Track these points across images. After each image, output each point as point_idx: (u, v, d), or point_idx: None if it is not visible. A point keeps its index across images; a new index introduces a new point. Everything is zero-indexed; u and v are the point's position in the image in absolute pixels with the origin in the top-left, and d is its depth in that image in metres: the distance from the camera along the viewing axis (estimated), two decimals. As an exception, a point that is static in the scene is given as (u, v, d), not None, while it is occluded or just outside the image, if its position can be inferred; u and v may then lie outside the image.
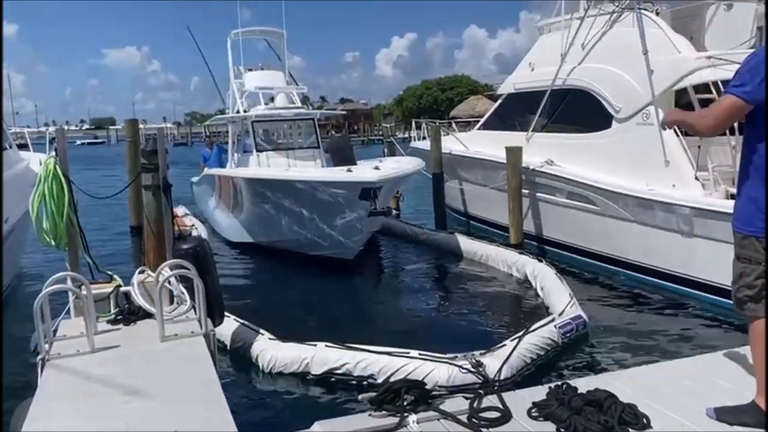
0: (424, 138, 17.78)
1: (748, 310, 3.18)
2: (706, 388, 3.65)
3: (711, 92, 8.59)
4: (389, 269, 11.70)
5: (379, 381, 5.60)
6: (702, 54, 8.82)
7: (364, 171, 9.80)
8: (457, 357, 5.72)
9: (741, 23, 9.33)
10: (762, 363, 3.13)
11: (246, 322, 7.02)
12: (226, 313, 5.88)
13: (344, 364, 5.98)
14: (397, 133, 41.46)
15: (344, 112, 47.20)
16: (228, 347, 6.76)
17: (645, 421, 3.17)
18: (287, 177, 10.59)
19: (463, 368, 5.53)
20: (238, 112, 13.92)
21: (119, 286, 5.04)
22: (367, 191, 9.26)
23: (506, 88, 13.44)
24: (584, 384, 3.59)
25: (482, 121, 14.67)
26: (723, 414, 3.25)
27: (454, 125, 20.73)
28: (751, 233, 3.13)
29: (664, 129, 3.12)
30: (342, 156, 12.75)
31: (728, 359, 4.12)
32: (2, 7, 4.37)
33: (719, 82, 8.52)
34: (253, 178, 11.40)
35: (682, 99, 9.41)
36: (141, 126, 18.08)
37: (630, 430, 3.14)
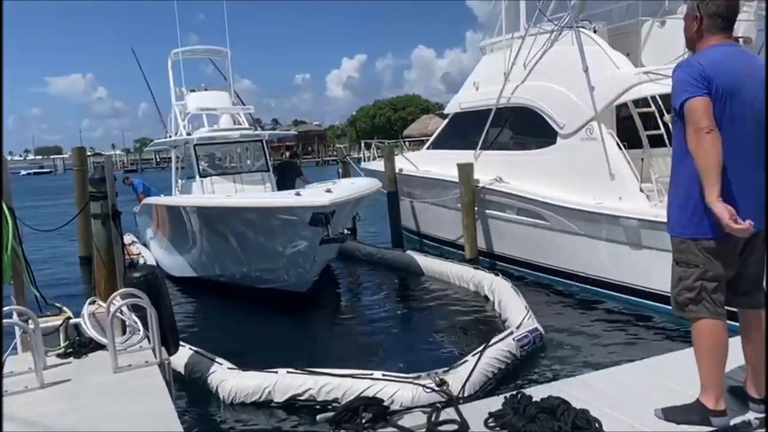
0: (374, 158, 17.86)
1: (689, 312, 3.27)
2: (654, 390, 3.78)
3: (650, 106, 8.93)
4: (346, 291, 11.62)
5: (344, 404, 5.57)
6: (640, 69, 9.11)
7: (315, 194, 8.76)
8: (420, 376, 5.69)
9: (674, 39, 9.74)
10: (704, 362, 3.26)
11: (202, 351, 6.88)
12: (180, 342, 5.79)
13: (307, 390, 5.89)
14: (351, 153, 41.61)
15: (296, 133, 46.92)
16: (184, 377, 6.60)
17: (597, 425, 3.25)
18: (224, 203, 9.51)
19: (427, 387, 5.48)
20: (180, 135, 13.13)
21: (69, 318, 4.94)
22: (318, 216, 8.36)
23: (452, 107, 13.64)
24: (539, 392, 3.67)
25: (431, 140, 14.86)
26: (670, 414, 3.37)
27: (404, 145, 20.94)
28: (687, 236, 3.26)
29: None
30: (284, 179, 12.85)
31: (675, 362, 4.28)
32: (2, 7, 4.28)
33: (657, 96, 8.86)
34: (189, 206, 10.22)
35: (622, 113, 9.76)
36: (88, 154, 17.72)
37: (582, 434, 3.21)
